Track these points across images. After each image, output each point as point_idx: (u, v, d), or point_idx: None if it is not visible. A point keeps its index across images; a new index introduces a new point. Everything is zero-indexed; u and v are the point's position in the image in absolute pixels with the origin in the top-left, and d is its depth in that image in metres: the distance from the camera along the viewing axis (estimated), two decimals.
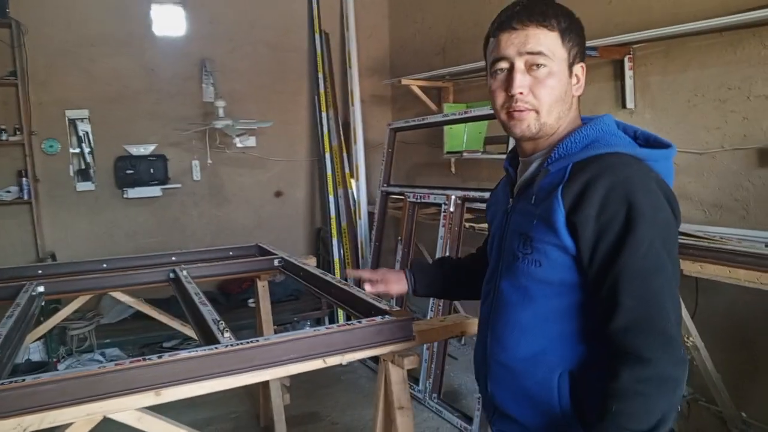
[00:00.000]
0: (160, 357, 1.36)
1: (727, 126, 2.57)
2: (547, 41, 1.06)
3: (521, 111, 1.09)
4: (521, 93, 1.08)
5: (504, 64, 1.10)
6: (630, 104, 2.92)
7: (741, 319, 2.54)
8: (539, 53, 1.06)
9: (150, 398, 1.34)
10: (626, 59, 2.89)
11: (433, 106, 4.24)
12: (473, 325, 1.69)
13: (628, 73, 2.90)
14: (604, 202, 0.99)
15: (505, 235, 1.18)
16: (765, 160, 2.43)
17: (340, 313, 4.23)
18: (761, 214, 2.48)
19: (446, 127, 3.92)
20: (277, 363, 1.43)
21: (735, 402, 2.51)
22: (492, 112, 3.17)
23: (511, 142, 2.93)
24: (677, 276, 1.03)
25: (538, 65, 1.07)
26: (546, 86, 1.07)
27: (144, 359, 1.34)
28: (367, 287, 1.51)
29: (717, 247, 2.14)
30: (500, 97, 1.12)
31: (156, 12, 4.23)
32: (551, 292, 1.08)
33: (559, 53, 1.07)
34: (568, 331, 1.08)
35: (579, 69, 1.12)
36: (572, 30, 1.09)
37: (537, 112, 1.09)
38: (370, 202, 4.52)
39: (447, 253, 3.23)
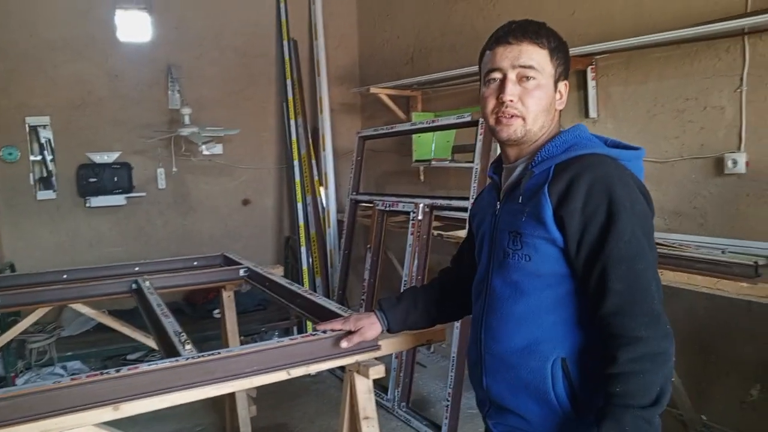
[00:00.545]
0: (118, 371, 1.32)
1: (685, 135, 2.65)
2: (538, 57, 1.19)
3: (509, 117, 1.21)
4: (511, 100, 1.19)
5: (497, 75, 1.22)
6: (593, 114, 2.98)
7: (700, 325, 2.60)
8: (530, 67, 1.19)
9: (108, 413, 1.30)
10: (589, 70, 2.95)
11: (401, 115, 4.26)
12: (440, 333, 1.70)
13: (591, 84, 2.96)
14: (587, 196, 1.10)
15: (495, 235, 1.26)
16: (721, 169, 2.51)
17: (309, 323, 4.19)
18: (718, 222, 2.56)
19: (415, 136, 3.94)
20: (239, 375, 1.41)
21: (695, 405, 2.57)
22: (459, 121, 3.21)
23: (487, 150, 2.96)
24: (656, 261, 1.13)
25: (528, 77, 1.19)
26: (533, 96, 1.19)
27: (102, 373, 1.31)
28: (344, 344, 1.49)
29: (676, 254, 2.19)
30: (491, 103, 1.23)
31: (120, 17, 4.16)
32: (541, 284, 1.17)
33: (548, 69, 1.20)
34: (559, 320, 1.16)
35: (563, 86, 1.25)
36: (560, 50, 1.22)
37: (523, 119, 1.20)
38: (340, 210, 4.51)
39: (415, 261, 3.24)
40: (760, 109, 2.39)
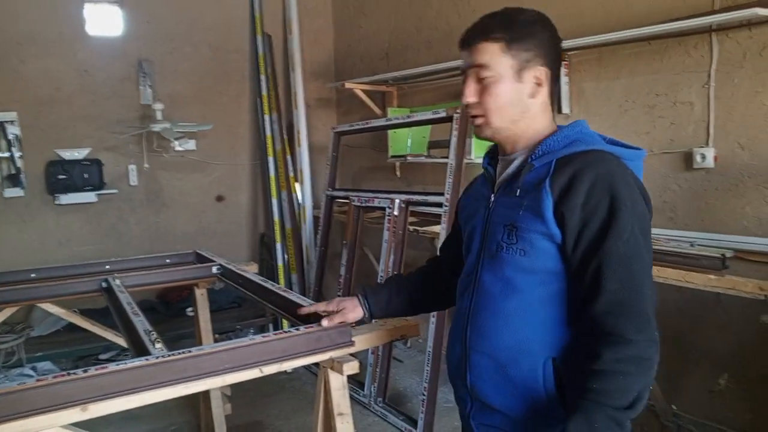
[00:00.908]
0: (86, 371, 1.30)
1: (655, 131, 2.69)
2: (490, 52, 1.16)
3: (473, 117, 1.22)
4: (470, 101, 1.20)
5: (463, 77, 1.22)
6: (566, 109, 3.01)
7: (670, 317, 2.65)
8: (481, 65, 1.17)
9: (76, 414, 1.28)
10: (562, 65, 2.97)
11: (377, 110, 4.26)
12: (414, 327, 1.70)
13: (564, 79, 2.98)
14: (589, 192, 1.08)
15: (487, 228, 1.23)
16: (690, 163, 2.55)
17: (284, 320, 4.17)
18: (687, 215, 2.60)
19: (390, 132, 3.93)
20: (211, 374, 1.40)
21: (665, 395, 2.62)
22: (434, 116, 3.22)
23: (461, 146, 2.97)
24: (651, 263, 1.12)
25: (483, 77, 1.17)
26: (491, 93, 1.17)
27: (69, 373, 1.28)
28: (325, 322, 1.52)
29: None
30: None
31: (89, 11, 4.08)
32: (534, 280, 1.14)
33: (504, 61, 1.16)
34: (550, 318, 1.14)
35: (533, 73, 1.18)
36: (522, 38, 1.16)
37: (484, 117, 1.20)
38: (316, 206, 4.49)
39: (391, 257, 3.24)
40: (728, 105, 2.43)
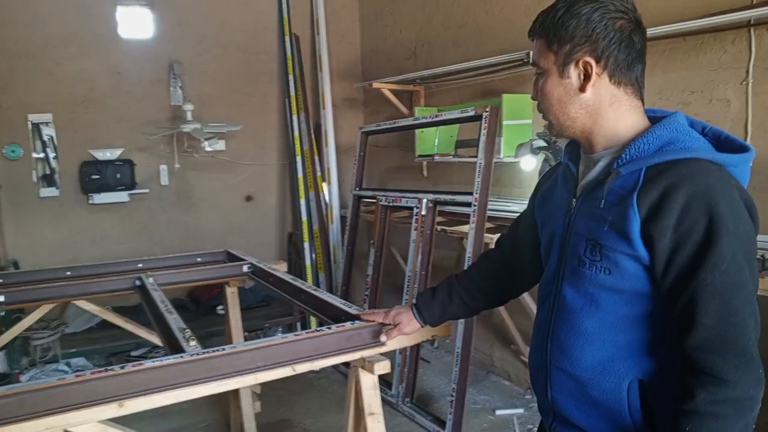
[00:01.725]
0: (122, 367, 1.32)
1: None
2: (538, 51, 1.13)
3: (543, 116, 1.17)
4: (534, 99, 1.18)
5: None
6: None
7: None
8: (534, 64, 1.15)
9: (113, 410, 1.30)
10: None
11: (404, 110, 4.25)
12: (444, 329, 1.68)
13: None
14: (683, 212, 0.96)
15: (567, 238, 1.15)
16: None
17: (312, 318, 4.20)
18: None
19: (418, 131, 3.92)
20: (244, 371, 1.41)
21: None
22: (462, 115, 3.18)
23: (491, 145, 2.95)
24: (756, 289, 0.99)
25: (539, 75, 1.15)
26: (543, 93, 1.13)
27: (106, 370, 1.31)
28: (383, 338, 1.54)
29: None
30: None
31: (122, 14, 4.15)
32: (620, 300, 1.06)
33: (549, 58, 1.11)
34: (637, 339, 1.06)
35: (578, 66, 1.08)
36: (558, 31, 1.08)
37: (546, 116, 1.16)
38: (343, 206, 4.50)
39: (419, 257, 3.23)
40: (767, 102, 2.37)
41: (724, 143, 1.06)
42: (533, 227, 1.34)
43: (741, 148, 1.04)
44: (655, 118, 1.11)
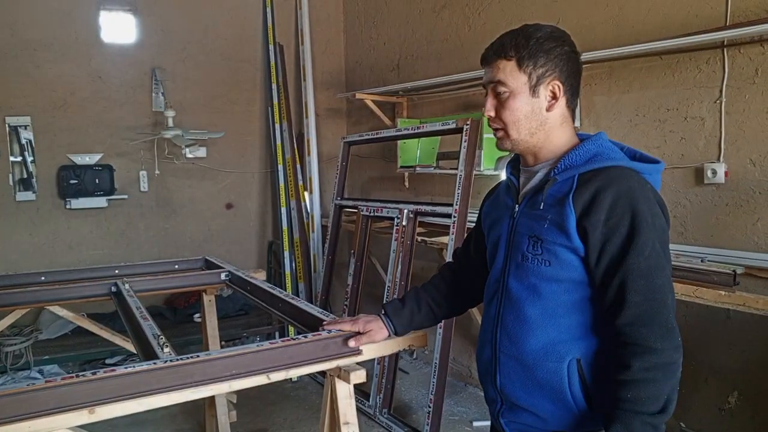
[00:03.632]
0: (94, 373, 1.30)
1: (666, 145, 2.68)
2: (505, 70, 1.23)
3: (495, 130, 1.29)
4: (490, 116, 1.27)
5: (484, 92, 1.30)
6: (576, 122, 3.00)
7: (680, 333, 2.62)
8: (498, 81, 1.24)
9: (83, 417, 1.27)
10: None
11: (387, 121, 4.27)
12: (421, 338, 1.69)
13: None
14: (611, 208, 1.13)
15: (512, 238, 1.29)
16: (700, 178, 2.54)
17: (291, 328, 4.17)
18: (697, 231, 2.59)
19: (400, 142, 3.95)
20: (218, 379, 1.39)
21: (675, 413, 2.59)
22: (444, 127, 3.22)
23: (471, 157, 2.97)
24: (671, 273, 1.17)
25: (500, 92, 1.24)
26: (507, 108, 1.24)
27: (77, 375, 1.29)
28: (352, 343, 1.54)
29: None
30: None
31: (105, 18, 4.13)
32: (559, 288, 1.20)
33: (520, 78, 1.22)
34: (575, 323, 1.20)
35: (549, 88, 1.23)
36: (534, 55, 1.21)
37: (504, 130, 1.26)
38: (324, 215, 4.50)
39: (399, 267, 3.24)
40: (738, 121, 2.43)
41: (639, 158, 1.25)
42: (482, 236, 1.47)
43: (654, 161, 1.24)
44: (583, 137, 1.28)
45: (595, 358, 1.20)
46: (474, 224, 1.57)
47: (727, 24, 2.39)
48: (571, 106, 1.28)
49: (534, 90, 1.23)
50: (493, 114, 1.27)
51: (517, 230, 1.27)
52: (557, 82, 1.23)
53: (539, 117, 1.24)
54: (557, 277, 1.19)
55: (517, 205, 1.30)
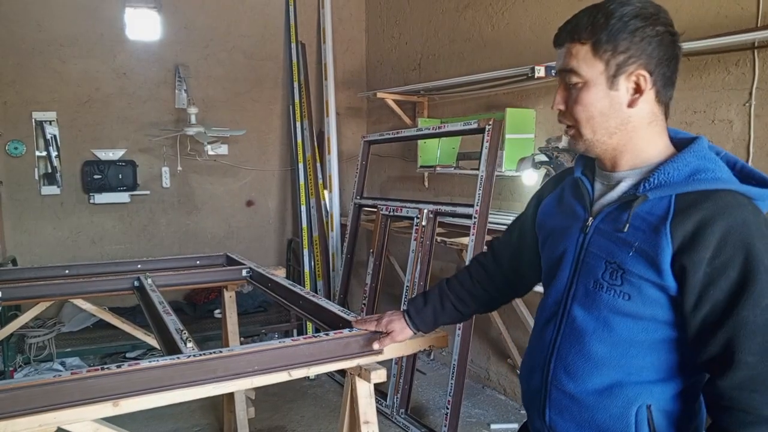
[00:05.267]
0: (119, 366, 1.31)
1: None
2: (578, 57, 1.02)
3: (566, 128, 1.09)
4: (559, 110, 1.08)
5: (559, 81, 1.09)
6: None
7: None
8: (569, 70, 1.04)
9: (107, 409, 1.29)
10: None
11: (407, 120, 4.26)
12: (442, 339, 1.68)
13: None
14: (719, 246, 0.93)
15: (582, 257, 1.09)
16: None
17: (309, 325, 4.19)
18: None
19: (420, 142, 3.94)
20: (240, 375, 1.40)
21: None
22: (465, 127, 3.15)
23: (493, 158, 2.95)
24: None
25: (571, 83, 1.04)
26: (579, 102, 1.04)
27: (102, 368, 1.30)
28: (375, 345, 1.53)
29: None
30: None
31: (130, 15, 4.18)
32: (636, 326, 1.02)
33: (594, 66, 1.01)
34: (649, 364, 1.03)
35: (632, 78, 1.01)
36: (614, 38, 0.99)
37: (576, 129, 1.06)
38: (344, 214, 4.51)
39: (417, 267, 3.23)
40: None
41: (741, 172, 1.03)
42: (532, 235, 1.31)
43: (764, 182, 1.01)
44: (676, 141, 1.07)
45: (669, 406, 1.03)
46: (520, 216, 1.40)
47: (759, 25, 2.35)
48: (663, 101, 1.05)
49: (612, 81, 1.01)
50: (563, 108, 1.07)
51: (590, 250, 1.07)
52: (643, 72, 1.00)
53: (619, 114, 1.03)
54: (637, 314, 1.01)
55: (591, 218, 1.09)
